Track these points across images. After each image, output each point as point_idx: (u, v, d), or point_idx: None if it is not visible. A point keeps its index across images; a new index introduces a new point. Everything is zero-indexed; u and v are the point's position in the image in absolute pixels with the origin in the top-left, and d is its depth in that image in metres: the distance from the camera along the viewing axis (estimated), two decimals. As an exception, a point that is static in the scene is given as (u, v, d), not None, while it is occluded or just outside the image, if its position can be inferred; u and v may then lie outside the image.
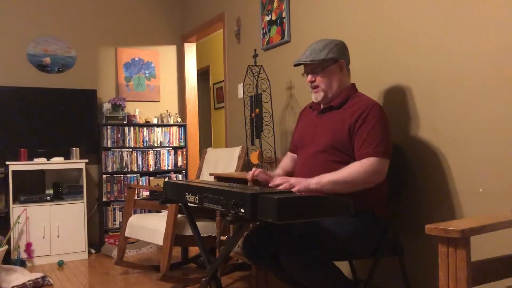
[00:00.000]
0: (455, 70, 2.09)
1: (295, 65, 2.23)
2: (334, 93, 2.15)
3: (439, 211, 2.17)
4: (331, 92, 2.15)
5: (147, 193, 4.59)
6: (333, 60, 2.13)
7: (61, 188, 4.17)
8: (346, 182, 1.92)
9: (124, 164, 4.58)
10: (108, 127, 4.53)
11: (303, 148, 2.24)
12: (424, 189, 2.24)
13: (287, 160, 2.42)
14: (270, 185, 1.98)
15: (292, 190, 1.89)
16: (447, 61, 2.13)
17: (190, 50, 5.13)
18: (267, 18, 3.50)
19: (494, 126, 1.93)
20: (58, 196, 4.17)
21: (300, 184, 1.91)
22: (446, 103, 2.13)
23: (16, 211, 3.87)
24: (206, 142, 6.60)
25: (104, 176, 4.48)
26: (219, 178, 3.11)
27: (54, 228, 4.01)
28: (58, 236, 4.02)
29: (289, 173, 2.32)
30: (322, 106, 2.23)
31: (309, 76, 2.17)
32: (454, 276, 1.27)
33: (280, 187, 1.91)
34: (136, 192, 4.51)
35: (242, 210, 1.64)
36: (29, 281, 3.18)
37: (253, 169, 2.18)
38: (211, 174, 3.30)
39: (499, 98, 1.91)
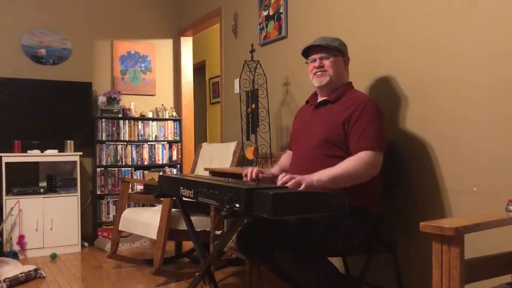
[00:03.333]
0: (452, 69, 2.10)
1: (305, 49, 2.23)
2: (337, 82, 2.18)
3: (433, 209, 2.18)
4: (336, 80, 2.17)
5: (141, 187, 4.58)
6: (342, 52, 2.21)
7: (55, 180, 4.15)
8: (345, 176, 1.92)
9: (118, 158, 4.57)
10: (103, 120, 4.51)
11: (298, 142, 2.25)
12: (419, 187, 2.25)
13: (285, 158, 2.41)
14: (278, 183, 1.89)
15: (300, 188, 1.82)
16: (445, 60, 2.13)
17: (187, 45, 5.12)
18: (265, 13, 3.49)
19: (490, 125, 1.94)
20: (51, 189, 4.15)
21: (304, 181, 1.85)
22: (442, 101, 2.14)
23: (9, 203, 3.85)
24: (201, 137, 6.59)
25: (98, 169, 4.46)
26: (214, 172, 3.11)
27: (47, 221, 3.99)
28: (51, 229, 4.00)
29: (287, 171, 2.32)
30: (319, 99, 2.24)
31: (317, 61, 2.18)
32: (448, 274, 1.28)
33: (289, 184, 1.83)
34: (130, 186, 4.49)
35: (237, 205, 1.63)
36: (21, 273, 3.17)
37: (249, 168, 2.17)
38: (206, 169, 3.29)
39: (495, 98, 1.92)
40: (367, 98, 2.10)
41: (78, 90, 4.43)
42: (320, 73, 2.17)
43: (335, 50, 2.17)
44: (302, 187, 1.82)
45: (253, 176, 2.11)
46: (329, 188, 1.89)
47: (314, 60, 2.19)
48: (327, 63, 2.16)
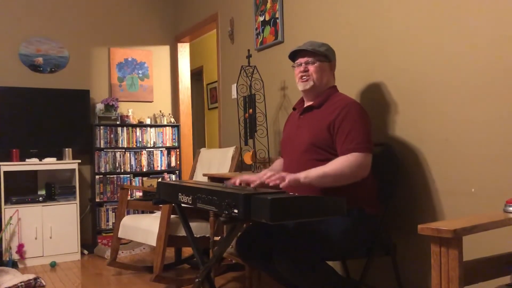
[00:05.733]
0: (447, 71, 2.10)
1: (292, 53, 2.27)
2: (321, 87, 2.20)
3: (431, 211, 2.18)
4: (320, 85, 2.20)
5: (140, 194, 4.57)
6: (328, 58, 2.22)
7: (54, 188, 4.15)
8: (333, 175, 1.94)
9: (117, 165, 4.56)
10: (101, 127, 4.51)
11: (287, 149, 2.28)
12: (417, 189, 2.25)
13: (277, 164, 2.43)
14: (258, 181, 1.96)
15: (281, 185, 1.87)
16: (440, 62, 2.14)
17: (184, 50, 5.13)
18: (261, 18, 3.50)
19: (486, 126, 1.94)
20: (50, 197, 4.15)
21: (289, 178, 1.90)
22: (439, 103, 2.14)
23: (8, 212, 3.84)
24: (199, 142, 6.59)
25: (97, 176, 4.46)
26: (212, 178, 3.11)
27: (47, 229, 3.98)
28: (50, 237, 3.99)
29: None
30: (305, 104, 2.26)
31: (303, 65, 2.21)
32: (447, 276, 1.28)
33: (270, 180, 1.89)
34: (129, 193, 4.49)
35: (236, 211, 1.63)
36: (21, 282, 3.16)
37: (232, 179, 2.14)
38: (204, 175, 3.29)
39: (491, 99, 1.92)
40: (351, 101, 2.13)
41: (76, 98, 4.43)
42: (304, 77, 2.20)
43: (321, 55, 2.20)
44: (285, 182, 1.86)
45: (236, 184, 2.10)
46: (317, 186, 1.94)
47: (300, 65, 2.23)
48: (311, 68, 2.19)
